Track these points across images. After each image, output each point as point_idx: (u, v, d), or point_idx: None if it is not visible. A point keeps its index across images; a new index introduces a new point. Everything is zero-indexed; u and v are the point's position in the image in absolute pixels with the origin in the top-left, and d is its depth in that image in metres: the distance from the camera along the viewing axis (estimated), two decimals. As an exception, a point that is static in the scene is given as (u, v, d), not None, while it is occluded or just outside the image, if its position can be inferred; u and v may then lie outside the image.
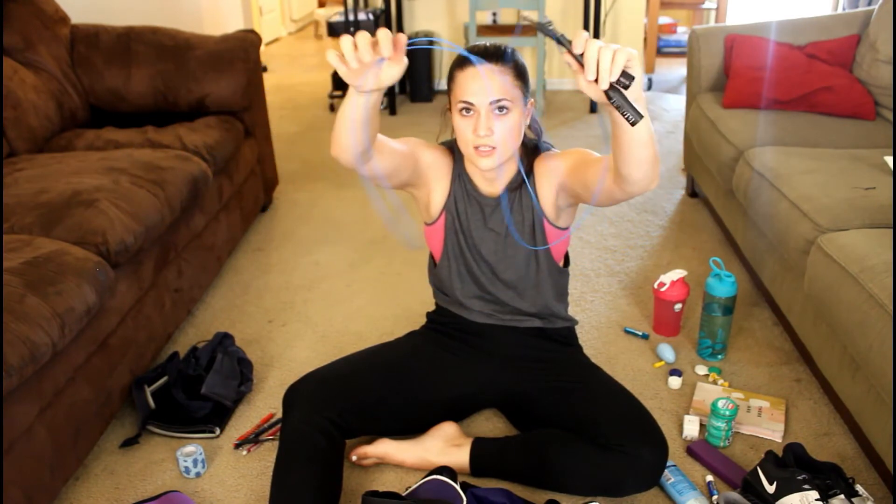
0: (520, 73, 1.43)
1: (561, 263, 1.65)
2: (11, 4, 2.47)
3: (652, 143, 1.21)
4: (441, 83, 4.74)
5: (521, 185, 1.56)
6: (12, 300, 1.43)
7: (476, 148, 1.42)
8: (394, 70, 1.13)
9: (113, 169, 2.01)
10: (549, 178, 1.54)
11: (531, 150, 1.58)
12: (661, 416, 1.79)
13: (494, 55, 1.41)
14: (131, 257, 1.83)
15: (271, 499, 1.45)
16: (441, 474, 1.48)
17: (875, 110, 2.49)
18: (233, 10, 5.37)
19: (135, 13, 3.60)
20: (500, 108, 1.40)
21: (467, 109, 1.41)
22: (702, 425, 1.75)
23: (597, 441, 1.48)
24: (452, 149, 1.61)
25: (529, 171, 1.56)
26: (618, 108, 1.07)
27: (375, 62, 1.10)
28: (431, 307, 1.80)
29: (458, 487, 1.44)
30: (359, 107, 1.22)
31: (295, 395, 1.55)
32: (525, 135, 1.52)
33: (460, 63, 1.42)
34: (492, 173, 1.54)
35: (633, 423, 1.50)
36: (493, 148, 1.42)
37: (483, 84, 1.39)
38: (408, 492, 1.48)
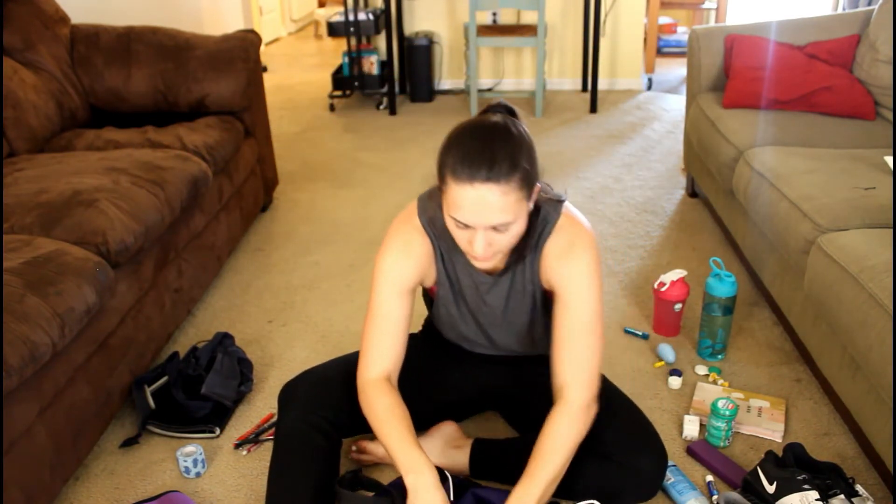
0: (525, 182, 1.23)
1: None
2: (11, 4, 2.47)
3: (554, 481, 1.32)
4: (441, 84, 4.74)
5: (516, 265, 1.43)
6: (12, 300, 1.43)
7: (471, 256, 1.30)
8: None
9: (113, 169, 2.01)
10: (549, 276, 1.42)
11: (539, 221, 1.40)
12: (661, 416, 1.79)
13: (495, 175, 1.19)
14: (131, 257, 1.83)
15: (268, 498, 1.44)
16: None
17: (875, 110, 2.49)
18: (233, 10, 5.37)
19: (135, 13, 3.60)
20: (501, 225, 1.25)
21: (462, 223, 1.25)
22: (702, 425, 1.75)
23: (595, 449, 1.47)
24: (429, 228, 1.44)
25: (536, 247, 1.41)
26: None
27: None
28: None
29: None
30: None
31: (291, 394, 1.54)
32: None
33: (455, 173, 1.20)
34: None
35: (631, 433, 1.48)
36: (493, 255, 1.30)
37: (482, 210, 1.21)
38: (390, 483, 1.48)
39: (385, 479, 1.64)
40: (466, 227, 1.25)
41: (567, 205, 1.43)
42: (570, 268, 1.38)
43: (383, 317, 1.43)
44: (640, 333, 2.12)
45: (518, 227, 1.28)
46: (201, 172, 2.20)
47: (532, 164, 1.26)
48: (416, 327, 1.81)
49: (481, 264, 1.40)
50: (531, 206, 1.31)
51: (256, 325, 2.24)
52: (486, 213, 1.22)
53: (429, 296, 1.62)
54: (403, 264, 1.43)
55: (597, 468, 1.46)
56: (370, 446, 1.64)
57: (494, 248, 1.29)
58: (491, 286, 1.47)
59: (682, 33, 5.32)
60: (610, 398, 1.59)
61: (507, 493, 1.49)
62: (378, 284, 1.44)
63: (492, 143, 1.21)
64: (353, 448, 1.65)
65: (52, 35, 2.55)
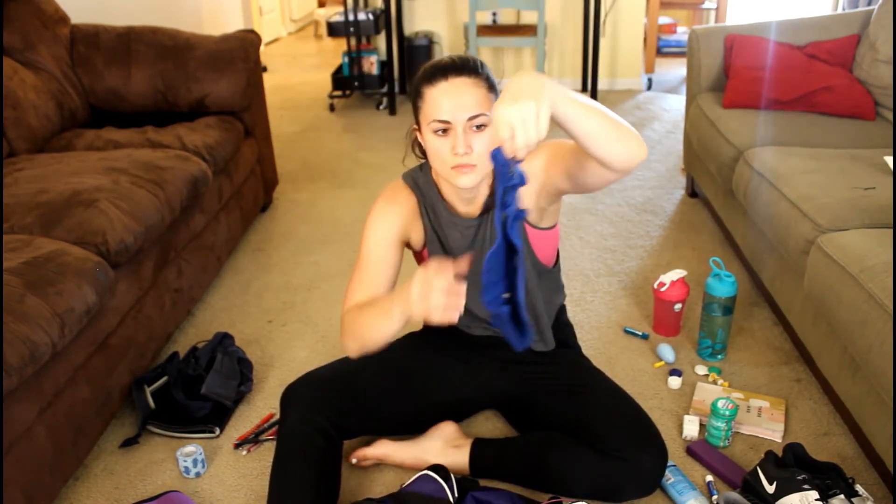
0: (492, 86, 1.36)
1: (551, 265, 1.61)
2: (11, 4, 2.47)
3: (606, 125, 1.18)
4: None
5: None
6: (12, 300, 1.43)
7: (455, 167, 1.35)
8: None
9: (113, 169, 2.01)
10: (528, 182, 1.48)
11: None
12: (661, 416, 1.79)
13: (465, 68, 1.33)
14: (131, 257, 1.83)
15: (269, 499, 1.45)
16: (432, 470, 1.48)
17: (875, 110, 2.49)
18: (233, 10, 5.37)
19: (135, 13, 3.60)
20: (478, 125, 1.33)
21: (443, 129, 1.34)
22: (702, 425, 1.75)
23: (595, 446, 1.48)
24: (414, 181, 1.54)
25: None
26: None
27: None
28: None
29: (440, 480, 1.45)
30: (398, 326, 1.31)
31: (293, 396, 1.55)
32: None
33: (429, 77, 1.35)
34: (470, 192, 1.46)
35: (632, 430, 1.49)
36: (473, 165, 1.34)
37: (458, 100, 1.31)
38: (400, 488, 1.49)
39: (386, 479, 1.64)
40: (445, 131, 1.33)
41: None
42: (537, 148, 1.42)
43: (368, 264, 1.49)
44: (640, 333, 2.12)
45: (492, 135, 1.33)
46: (201, 172, 2.20)
47: (493, 84, 1.38)
48: (415, 321, 1.81)
49: (465, 180, 1.36)
50: None
51: (256, 325, 2.24)
52: (462, 102, 1.31)
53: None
54: (389, 212, 1.51)
55: (597, 464, 1.47)
56: (368, 452, 1.64)
57: (474, 156, 1.33)
58: (475, 229, 1.51)
59: (682, 33, 5.32)
60: (609, 394, 1.60)
61: (506, 494, 1.49)
62: (366, 235, 1.51)
63: (457, 56, 1.37)
64: (354, 461, 1.65)
65: (52, 35, 2.55)
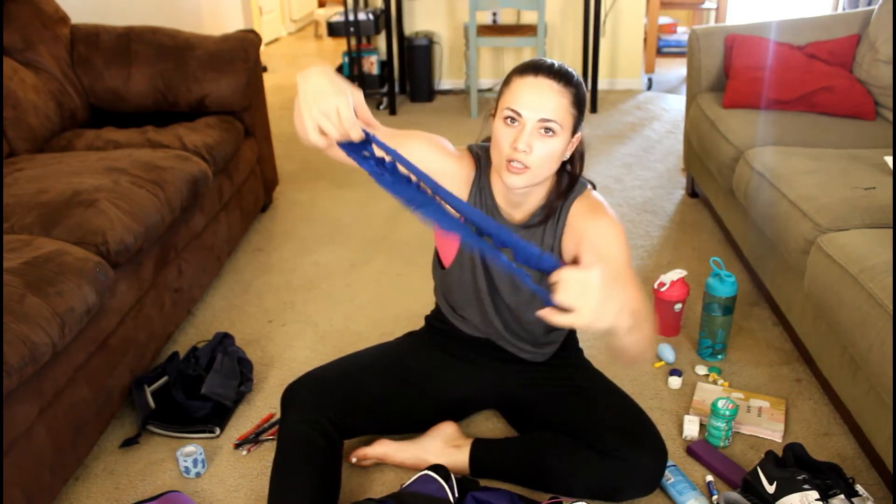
0: (578, 102, 1.34)
1: None
2: (11, 4, 2.47)
3: (640, 349, 1.27)
4: (441, 84, 4.74)
5: (544, 223, 1.46)
6: (12, 300, 1.43)
7: (509, 161, 1.31)
8: None
9: (113, 169, 2.01)
10: (575, 238, 1.44)
11: (565, 186, 1.45)
12: (661, 416, 1.79)
13: (559, 74, 1.32)
14: (131, 257, 1.83)
15: (270, 499, 1.45)
16: (433, 470, 1.48)
17: (875, 110, 2.49)
18: (233, 10, 5.37)
19: (135, 13, 3.60)
20: (547, 129, 1.30)
21: (513, 119, 1.31)
22: (702, 425, 1.75)
23: (595, 446, 1.48)
24: (478, 157, 1.50)
25: (561, 210, 1.45)
26: None
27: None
28: (431, 307, 1.80)
29: (441, 480, 1.45)
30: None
31: (293, 395, 1.55)
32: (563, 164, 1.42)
33: (522, 70, 1.34)
34: (516, 196, 1.43)
35: (632, 430, 1.49)
36: (526, 167, 1.31)
37: (538, 97, 1.30)
38: (401, 488, 1.49)
39: (386, 479, 1.64)
40: (515, 121, 1.31)
41: (595, 191, 1.50)
42: (597, 223, 1.41)
43: (404, 132, 1.42)
44: (640, 333, 2.11)
45: (557, 146, 1.32)
46: (201, 172, 2.20)
47: (582, 103, 1.35)
48: (416, 320, 1.82)
49: (513, 179, 1.33)
50: (569, 150, 1.37)
51: (256, 325, 2.24)
52: (541, 101, 1.29)
53: (440, 263, 1.61)
54: (448, 152, 1.47)
55: (598, 464, 1.47)
56: (368, 451, 1.64)
57: (531, 158, 1.30)
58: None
59: (682, 33, 5.32)
60: (609, 395, 1.60)
61: (506, 494, 1.49)
62: (419, 132, 1.46)
63: (557, 64, 1.35)
64: (354, 460, 1.65)
65: (52, 35, 2.55)
